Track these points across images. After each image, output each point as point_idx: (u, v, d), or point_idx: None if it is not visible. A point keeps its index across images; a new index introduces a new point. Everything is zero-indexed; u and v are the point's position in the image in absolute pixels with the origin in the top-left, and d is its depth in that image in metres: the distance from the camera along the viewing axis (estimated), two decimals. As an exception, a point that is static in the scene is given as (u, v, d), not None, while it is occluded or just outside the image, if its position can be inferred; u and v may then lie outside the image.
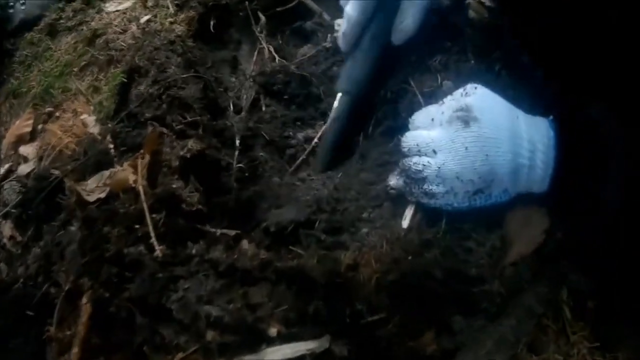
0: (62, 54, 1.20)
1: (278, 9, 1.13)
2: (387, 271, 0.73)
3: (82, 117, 1.08)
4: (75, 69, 1.16)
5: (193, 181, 0.82)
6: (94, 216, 0.75)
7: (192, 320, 0.67)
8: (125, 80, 1.02)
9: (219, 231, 0.78)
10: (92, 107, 1.08)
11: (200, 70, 1.04)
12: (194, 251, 0.74)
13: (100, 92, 1.09)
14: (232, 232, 0.79)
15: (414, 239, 0.74)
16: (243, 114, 1.00)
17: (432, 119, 0.77)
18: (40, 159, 1.06)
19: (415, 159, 0.75)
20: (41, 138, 1.11)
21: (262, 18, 1.12)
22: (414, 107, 0.82)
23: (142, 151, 0.85)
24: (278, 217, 0.81)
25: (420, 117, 0.79)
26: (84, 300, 0.71)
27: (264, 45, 1.10)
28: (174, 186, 0.79)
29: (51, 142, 1.06)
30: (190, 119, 0.88)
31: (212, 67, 1.09)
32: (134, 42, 1.10)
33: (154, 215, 0.76)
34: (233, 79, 1.11)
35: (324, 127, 0.93)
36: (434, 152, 0.74)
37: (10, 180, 1.08)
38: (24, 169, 1.08)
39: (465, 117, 0.73)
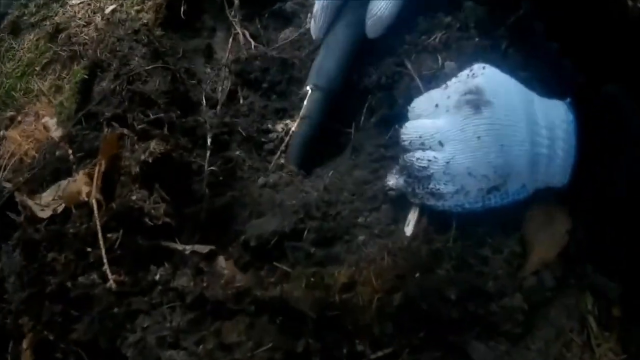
0: (24, 52, 1.01)
1: (253, -9, 0.93)
2: (390, 290, 0.56)
3: (43, 120, 0.90)
4: (38, 68, 0.98)
5: (158, 189, 0.63)
6: (37, 239, 0.57)
7: (153, 370, 0.49)
8: (87, 76, 0.83)
9: (188, 248, 0.59)
10: (54, 109, 0.90)
11: (170, 61, 0.85)
12: (157, 277, 0.56)
13: (63, 91, 0.91)
14: (205, 249, 0.61)
15: (420, 249, 0.56)
16: (218, 107, 0.81)
17: (436, 105, 0.58)
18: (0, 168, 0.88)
19: (418, 154, 0.57)
20: (2, 146, 0.93)
21: (236, 1, 0.92)
22: (412, 93, 0.64)
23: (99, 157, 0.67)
24: (259, 228, 0.63)
25: (421, 103, 0.60)
26: (24, 345, 0.53)
27: (239, 30, 0.91)
28: (134, 197, 0.60)
29: (10, 150, 0.88)
30: (153, 117, 0.69)
31: (183, 57, 0.90)
32: (97, 34, 0.91)
33: (109, 235, 0.58)
34: (207, 70, 0.91)
35: (292, 127, 0.75)
36: (441, 144, 0.56)
37: (-28, 193, 0.90)
38: (-15, 179, 0.90)
39: (475, 101, 0.55)
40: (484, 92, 0.55)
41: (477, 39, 0.70)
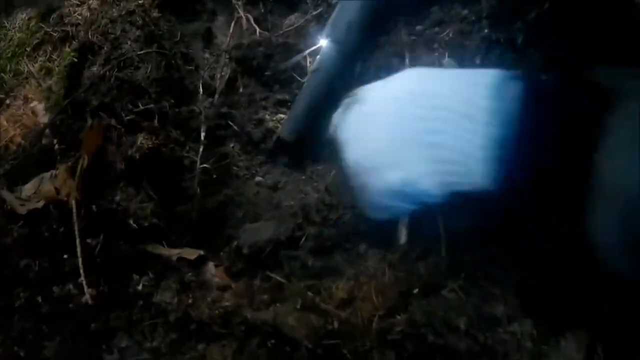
0: (15, 32, 0.94)
1: (258, -28, 0.85)
2: (392, 308, 0.50)
3: (32, 104, 0.83)
4: (28, 49, 0.90)
5: (145, 187, 0.57)
6: (9, 243, 0.51)
7: (129, 397, 0.43)
8: (77, 60, 0.76)
9: (175, 254, 0.53)
10: (43, 93, 0.83)
11: (166, 45, 0.79)
12: (139, 287, 0.51)
13: (52, 74, 0.83)
14: (194, 254, 0.55)
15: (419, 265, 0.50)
16: (215, 97, 0.74)
17: None
18: (-15, 156, 0.82)
19: None
20: (-8, 131, 0.87)
21: (243, -19, 0.85)
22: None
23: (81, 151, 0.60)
24: (253, 234, 0.57)
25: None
26: (-9, 364, 0.47)
27: (242, 14, 0.83)
28: (119, 198, 0.54)
29: (-3, 136, 0.82)
30: (143, 107, 0.63)
31: (180, 41, 0.83)
32: (89, 14, 0.84)
33: (89, 240, 0.52)
34: (206, 55, 0.85)
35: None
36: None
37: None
38: (-29, 166, 0.84)
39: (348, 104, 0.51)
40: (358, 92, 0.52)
41: (486, 31, 0.63)
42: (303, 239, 0.56)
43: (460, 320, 0.48)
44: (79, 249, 0.49)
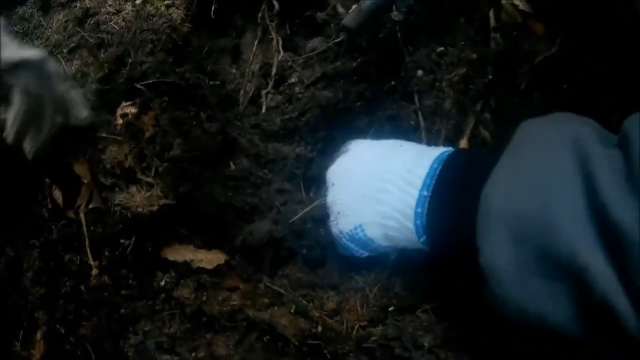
0: (52, 32, 1.15)
1: (289, -5, 1.04)
2: (372, 320, 0.69)
3: (69, 106, 1.04)
4: (65, 51, 1.11)
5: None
6: (54, 239, 0.71)
7: (149, 371, 0.64)
8: (107, 72, 0.96)
9: (197, 260, 0.73)
10: (79, 95, 1.04)
11: (196, 59, 0.99)
12: (162, 283, 0.71)
13: (87, 79, 1.04)
14: (213, 264, 0.74)
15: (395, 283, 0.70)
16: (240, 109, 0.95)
17: None
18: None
19: None
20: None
21: (276, 5, 1.04)
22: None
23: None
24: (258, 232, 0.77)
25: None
26: (38, 336, 0.68)
27: (274, 36, 1.03)
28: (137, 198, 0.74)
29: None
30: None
31: (209, 56, 1.03)
32: (125, 25, 1.04)
33: (122, 241, 0.72)
34: (233, 70, 1.05)
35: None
36: None
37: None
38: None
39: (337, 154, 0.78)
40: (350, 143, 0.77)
41: (490, 77, 0.81)
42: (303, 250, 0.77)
43: (425, 338, 0.67)
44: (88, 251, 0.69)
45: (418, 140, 0.81)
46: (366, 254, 0.72)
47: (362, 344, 0.65)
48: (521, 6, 0.89)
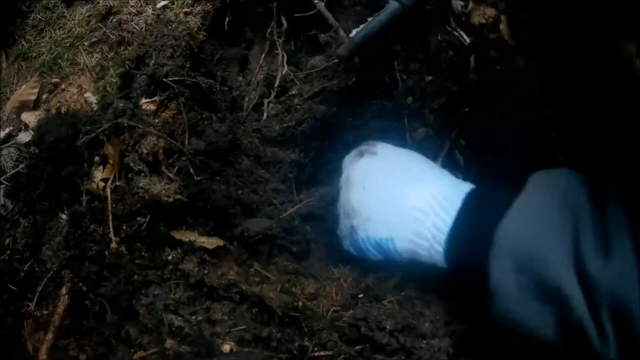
0: (75, 25, 1.34)
1: (296, 15, 1.24)
2: (344, 305, 0.88)
3: (86, 95, 1.23)
4: (86, 44, 1.30)
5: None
6: (82, 211, 0.90)
7: (156, 326, 0.83)
8: (128, 69, 1.14)
9: (200, 242, 0.92)
10: (97, 87, 1.22)
11: (208, 66, 1.18)
12: (170, 257, 0.90)
13: (107, 73, 1.23)
14: (213, 244, 0.93)
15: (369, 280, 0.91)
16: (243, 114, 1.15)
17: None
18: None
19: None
20: (44, 108, 1.27)
21: (285, 23, 1.24)
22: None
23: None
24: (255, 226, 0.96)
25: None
26: (63, 291, 0.87)
27: (280, 51, 1.22)
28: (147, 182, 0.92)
29: (53, 116, 1.21)
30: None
31: (219, 63, 1.23)
32: (145, 27, 1.23)
33: (138, 219, 0.91)
34: (240, 78, 1.24)
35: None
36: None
37: (9, 146, 1.25)
38: (23, 137, 1.24)
39: (363, 151, 0.93)
40: (377, 145, 0.92)
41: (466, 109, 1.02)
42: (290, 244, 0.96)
43: (388, 322, 0.86)
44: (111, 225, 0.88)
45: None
46: (380, 257, 0.88)
47: (334, 322, 0.84)
48: (506, 37, 1.08)
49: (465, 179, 0.92)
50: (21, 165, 1.18)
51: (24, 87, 1.30)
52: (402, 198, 0.83)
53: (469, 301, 0.84)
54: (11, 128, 1.27)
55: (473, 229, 0.76)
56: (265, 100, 1.20)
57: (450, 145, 1.05)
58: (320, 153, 1.12)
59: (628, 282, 0.61)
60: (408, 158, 0.90)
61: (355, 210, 0.87)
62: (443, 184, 0.83)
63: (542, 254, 0.68)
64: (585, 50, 0.88)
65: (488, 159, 1.03)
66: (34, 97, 1.28)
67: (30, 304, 0.94)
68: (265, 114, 1.19)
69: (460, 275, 0.81)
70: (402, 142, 1.04)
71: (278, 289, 0.86)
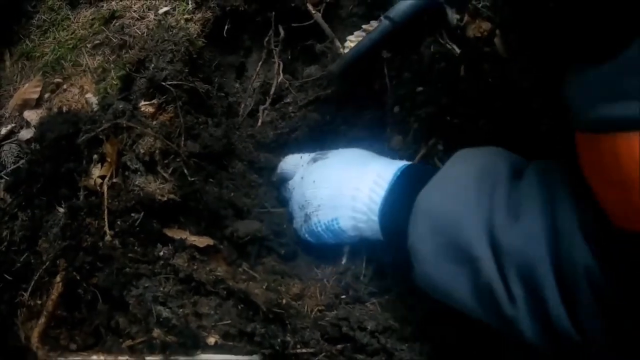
0: (78, 27, 1.39)
1: (293, 25, 1.29)
2: (328, 305, 0.93)
3: (87, 95, 1.28)
4: (89, 46, 1.35)
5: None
6: (80, 206, 0.95)
7: (145, 316, 0.87)
8: (128, 72, 1.19)
9: (191, 240, 0.97)
10: (98, 88, 1.27)
11: (206, 72, 1.23)
12: (161, 253, 0.94)
13: (108, 75, 1.28)
14: (204, 243, 0.98)
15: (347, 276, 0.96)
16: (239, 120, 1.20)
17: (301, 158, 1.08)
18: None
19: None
20: (46, 107, 1.31)
21: (282, 33, 1.29)
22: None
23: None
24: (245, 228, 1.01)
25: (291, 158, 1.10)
26: (57, 279, 0.91)
27: (276, 60, 1.27)
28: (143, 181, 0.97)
29: (54, 115, 1.26)
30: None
31: (217, 70, 1.28)
32: (147, 32, 1.28)
33: (132, 214, 0.95)
34: (237, 85, 1.29)
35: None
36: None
37: (10, 143, 1.29)
38: (24, 134, 1.29)
39: (317, 157, 1.02)
40: (328, 153, 1.01)
41: (455, 121, 1.06)
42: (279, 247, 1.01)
43: (369, 323, 0.90)
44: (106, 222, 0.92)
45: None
46: (333, 241, 0.96)
47: (317, 322, 0.88)
48: (500, 51, 1.12)
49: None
50: (22, 161, 1.22)
51: (26, 85, 1.35)
52: (344, 182, 0.92)
53: (397, 269, 0.92)
54: (13, 125, 1.31)
55: (400, 198, 0.83)
56: (261, 107, 1.25)
57: (427, 152, 1.08)
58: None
59: (534, 243, 0.63)
60: (356, 154, 1.00)
61: (308, 201, 0.96)
62: (380, 164, 0.92)
63: (456, 215, 0.71)
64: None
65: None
66: (36, 96, 1.33)
67: (24, 294, 0.97)
68: (260, 121, 1.23)
69: (391, 244, 0.87)
70: (381, 150, 1.08)
71: (264, 287, 0.90)
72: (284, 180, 1.09)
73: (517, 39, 1.08)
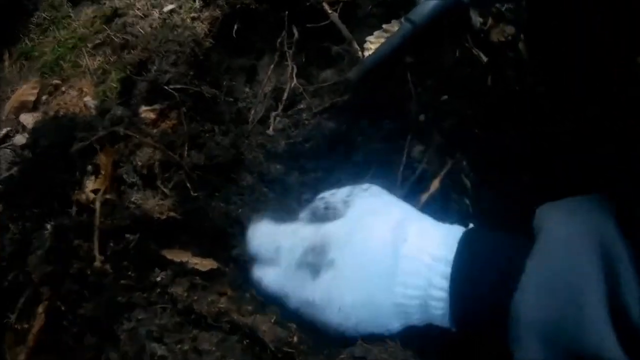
0: (79, 25, 1.29)
1: (308, 25, 1.18)
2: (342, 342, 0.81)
3: (85, 99, 1.17)
4: (89, 45, 1.25)
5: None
6: (67, 224, 0.84)
7: (137, 355, 0.76)
8: (129, 74, 1.08)
9: (192, 263, 0.85)
10: (97, 91, 1.16)
11: (213, 75, 1.12)
12: (158, 279, 0.83)
13: (108, 77, 1.17)
14: (207, 267, 0.86)
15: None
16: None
17: (277, 249, 0.82)
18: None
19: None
20: (43, 110, 1.21)
21: (296, 34, 1.17)
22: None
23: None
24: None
25: (263, 238, 0.86)
26: (40, 309, 0.80)
27: (290, 64, 1.16)
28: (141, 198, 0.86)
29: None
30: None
31: (226, 73, 1.16)
32: (150, 31, 1.17)
33: (127, 236, 0.84)
34: (247, 89, 1.18)
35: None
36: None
37: (5, 147, 1.19)
38: (20, 139, 1.18)
39: (316, 264, 0.77)
40: (331, 246, 0.75)
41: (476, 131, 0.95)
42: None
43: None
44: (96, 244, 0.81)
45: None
46: None
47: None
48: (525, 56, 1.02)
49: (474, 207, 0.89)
50: (15, 169, 1.10)
51: (24, 87, 1.25)
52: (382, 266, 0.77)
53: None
54: (9, 129, 1.21)
55: (476, 293, 0.67)
56: (272, 114, 1.13)
57: (453, 167, 0.97)
58: (326, 173, 1.04)
59: None
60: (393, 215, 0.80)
61: (341, 323, 0.82)
62: (434, 235, 0.75)
63: (573, 321, 0.57)
64: (602, 70, 0.80)
65: (496, 183, 0.96)
66: (33, 98, 1.23)
67: (11, 316, 0.87)
68: (271, 128, 1.11)
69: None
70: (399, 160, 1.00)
71: (272, 321, 0.78)
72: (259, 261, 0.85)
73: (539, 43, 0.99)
